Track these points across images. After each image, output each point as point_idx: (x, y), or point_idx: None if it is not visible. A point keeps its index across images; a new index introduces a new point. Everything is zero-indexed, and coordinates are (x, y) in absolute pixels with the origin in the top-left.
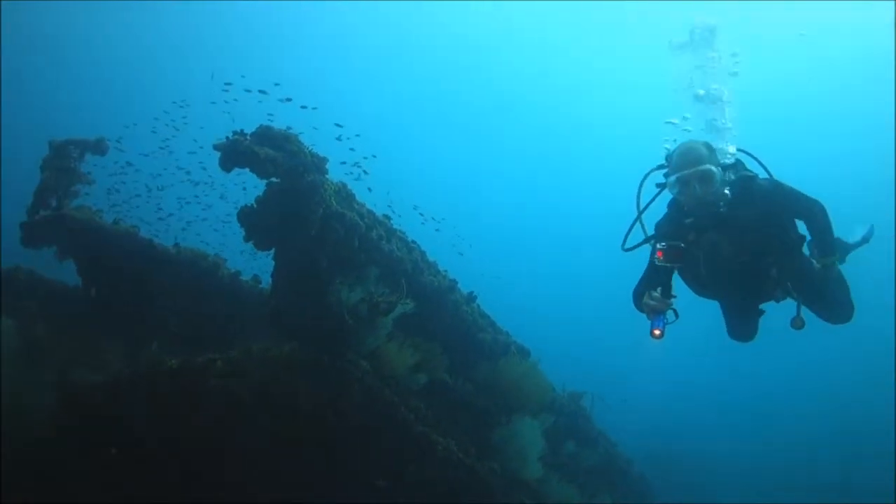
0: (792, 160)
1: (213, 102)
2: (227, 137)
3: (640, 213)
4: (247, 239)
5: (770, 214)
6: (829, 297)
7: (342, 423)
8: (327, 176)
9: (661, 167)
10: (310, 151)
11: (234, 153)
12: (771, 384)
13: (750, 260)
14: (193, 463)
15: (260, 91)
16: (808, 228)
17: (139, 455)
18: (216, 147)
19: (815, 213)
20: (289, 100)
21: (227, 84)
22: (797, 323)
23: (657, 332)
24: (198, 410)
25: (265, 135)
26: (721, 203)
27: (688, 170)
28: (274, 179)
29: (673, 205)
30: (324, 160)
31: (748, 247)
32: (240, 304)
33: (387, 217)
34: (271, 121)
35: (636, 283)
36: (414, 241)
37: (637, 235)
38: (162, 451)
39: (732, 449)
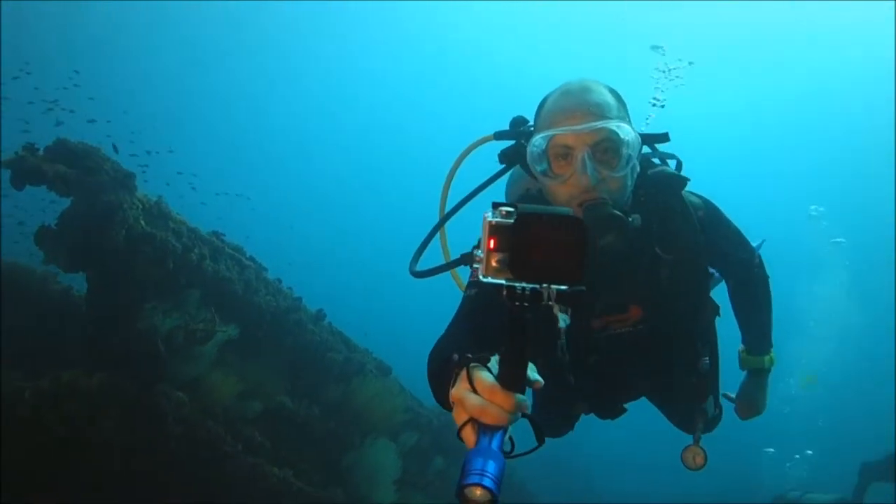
0: (791, 160)
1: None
2: (16, 153)
3: (449, 213)
4: (47, 262)
5: (698, 258)
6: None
7: (159, 458)
8: (136, 192)
9: (503, 135)
10: (112, 167)
11: (22, 171)
12: None
13: (671, 334)
14: None
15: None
16: (740, 297)
17: None
18: (3, 164)
19: (755, 271)
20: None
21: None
22: (699, 459)
23: (478, 492)
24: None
25: (60, 149)
26: (629, 211)
27: (576, 125)
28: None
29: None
30: (130, 175)
31: (672, 309)
32: (67, 323)
33: (216, 234)
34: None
35: (439, 339)
36: (251, 258)
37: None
38: None
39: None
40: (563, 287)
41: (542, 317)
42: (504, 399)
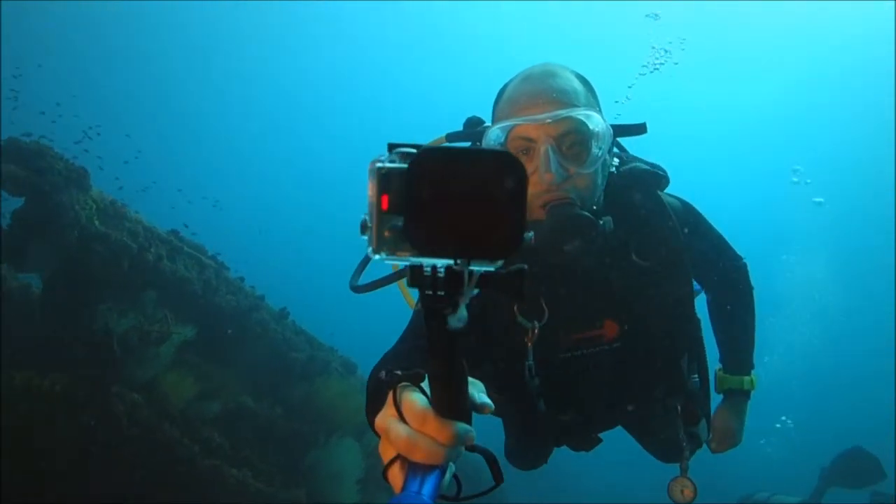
0: (791, 160)
1: None
2: None
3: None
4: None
5: (680, 265)
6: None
7: (114, 461)
8: (90, 191)
9: (456, 136)
10: (65, 167)
11: None
12: None
13: (652, 353)
14: None
15: None
16: (722, 309)
17: None
18: None
19: (740, 281)
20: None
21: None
22: (688, 492)
23: None
24: None
25: (13, 149)
26: (600, 213)
27: (538, 115)
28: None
29: None
30: (85, 174)
31: (653, 324)
32: (22, 322)
33: (174, 233)
34: None
35: (382, 357)
36: (213, 256)
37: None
38: None
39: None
40: (489, 266)
41: (504, 325)
42: (438, 429)
